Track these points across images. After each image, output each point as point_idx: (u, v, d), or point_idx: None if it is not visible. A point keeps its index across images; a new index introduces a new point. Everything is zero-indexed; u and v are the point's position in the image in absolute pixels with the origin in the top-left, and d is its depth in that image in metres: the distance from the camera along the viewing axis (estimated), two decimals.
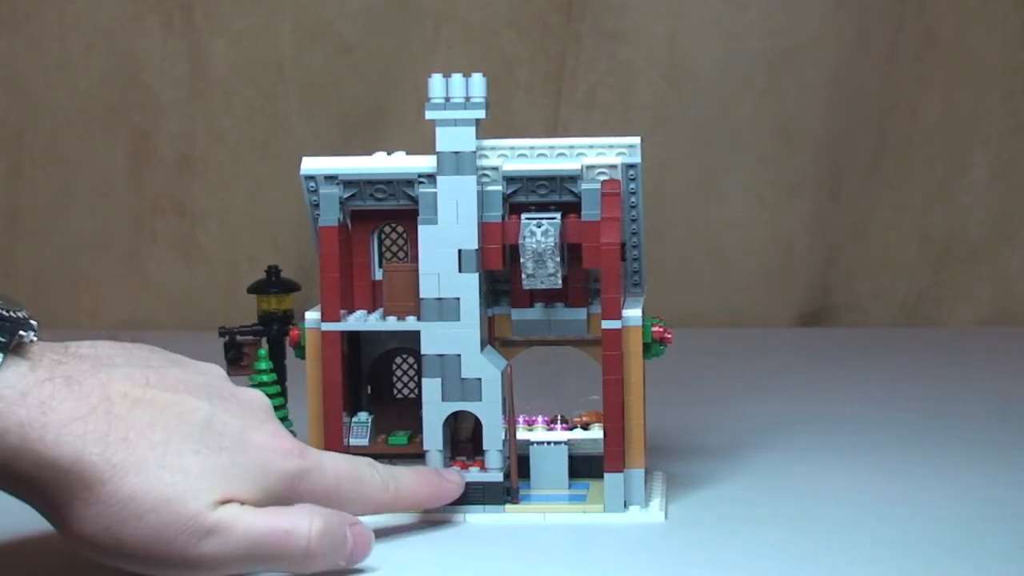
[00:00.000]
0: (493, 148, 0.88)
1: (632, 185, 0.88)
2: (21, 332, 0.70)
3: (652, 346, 0.88)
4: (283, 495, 0.75)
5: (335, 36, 1.63)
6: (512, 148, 0.88)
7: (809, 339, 1.54)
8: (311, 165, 0.89)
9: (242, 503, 0.72)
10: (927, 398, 1.20)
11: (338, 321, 0.88)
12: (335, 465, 0.78)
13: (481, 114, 0.85)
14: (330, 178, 0.88)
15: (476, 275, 0.86)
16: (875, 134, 1.60)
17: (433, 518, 0.86)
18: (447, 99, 0.85)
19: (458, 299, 0.86)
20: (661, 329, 0.88)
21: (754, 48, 1.59)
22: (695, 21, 1.59)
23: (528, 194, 0.88)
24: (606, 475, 0.86)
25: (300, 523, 0.74)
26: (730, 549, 0.81)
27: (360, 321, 0.88)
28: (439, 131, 0.86)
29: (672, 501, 0.89)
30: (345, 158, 0.89)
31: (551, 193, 0.87)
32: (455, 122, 0.85)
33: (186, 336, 1.61)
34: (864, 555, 0.80)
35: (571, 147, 0.88)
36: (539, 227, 0.86)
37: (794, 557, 0.79)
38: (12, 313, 0.71)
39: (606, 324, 0.85)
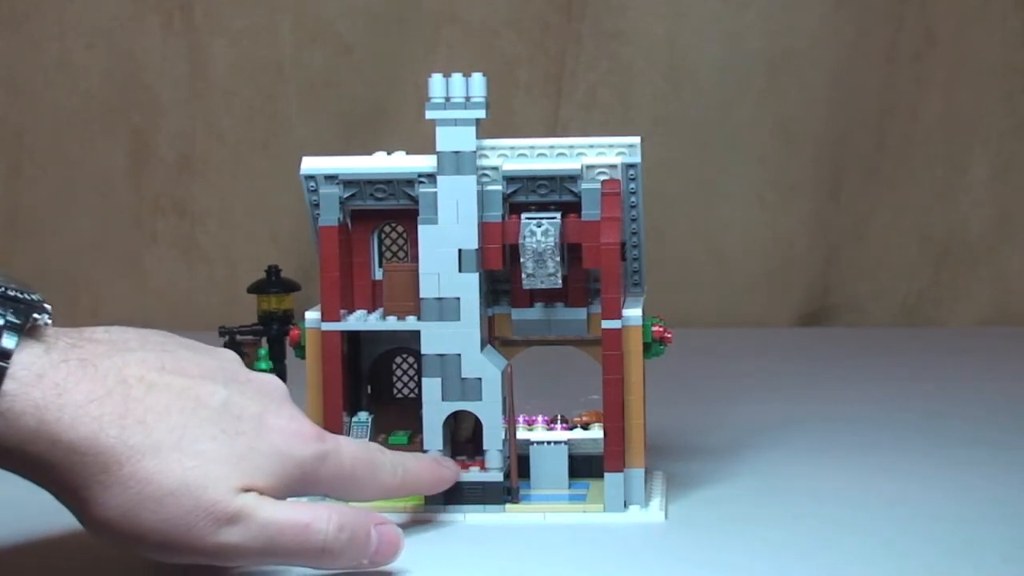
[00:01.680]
0: (493, 148, 0.88)
1: (632, 185, 0.88)
2: (35, 315, 0.70)
3: (652, 346, 0.88)
4: (302, 480, 0.74)
5: (335, 36, 1.63)
6: (512, 148, 0.88)
7: (809, 339, 1.54)
8: (311, 165, 0.89)
9: (261, 491, 0.72)
10: (927, 398, 1.20)
11: (338, 321, 0.88)
12: (351, 449, 0.77)
13: (481, 114, 0.85)
14: (330, 178, 0.88)
15: (476, 275, 0.86)
16: (875, 134, 1.60)
17: (433, 518, 0.86)
18: (447, 99, 0.85)
19: (458, 299, 0.86)
20: (661, 329, 0.88)
21: (754, 48, 1.59)
22: (695, 21, 1.60)
23: (528, 194, 0.88)
24: (606, 475, 0.86)
25: (320, 517, 0.73)
26: (730, 549, 0.81)
27: (360, 321, 0.88)
28: (439, 131, 0.86)
29: (672, 501, 0.89)
30: (345, 158, 0.89)
31: (551, 193, 0.87)
32: (455, 122, 0.85)
33: (186, 336, 1.61)
34: (864, 555, 0.80)
35: (571, 147, 0.88)
36: (539, 227, 0.86)
37: (794, 557, 0.79)
38: (27, 296, 0.70)
39: (606, 324, 0.85)
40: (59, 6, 1.65)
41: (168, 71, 1.64)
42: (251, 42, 1.63)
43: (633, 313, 0.87)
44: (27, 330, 0.69)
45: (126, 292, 1.66)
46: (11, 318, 0.68)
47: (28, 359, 0.68)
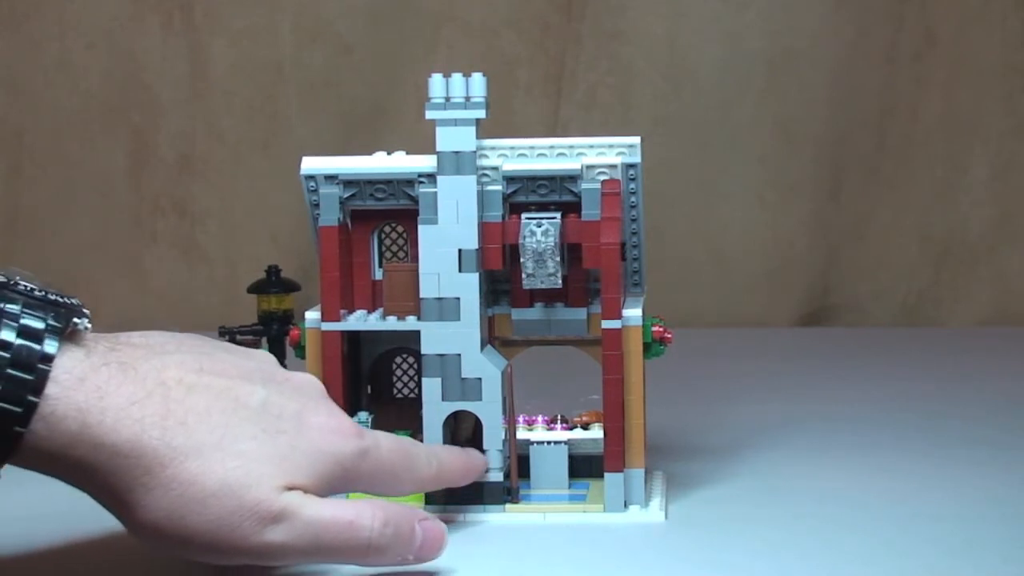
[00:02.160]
0: (493, 148, 0.88)
1: (632, 185, 0.88)
2: (75, 319, 0.70)
3: (652, 346, 0.88)
4: (343, 477, 0.74)
5: (335, 36, 1.63)
6: (512, 148, 0.88)
7: (809, 339, 1.54)
8: (311, 165, 0.89)
9: (304, 489, 0.72)
10: (927, 398, 1.20)
11: (338, 321, 0.88)
12: (388, 443, 0.77)
13: (481, 114, 0.85)
14: (330, 178, 0.88)
15: (476, 275, 0.86)
16: (875, 134, 1.60)
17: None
18: (447, 99, 0.85)
19: (458, 299, 0.86)
20: (661, 329, 0.88)
21: (754, 48, 1.59)
22: (695, 21, 1.60)
23: (528, 194, 0.88)
24: (606, 475, 0.86)
25: (364, 513, 0.73)
26: (730, 549, 0.81)
27: (360, 321, 0.88)
28: (439, 131, 0.86)
29: (672, 501, 0.89)
30: (345, 158, 0.89)
31: (551, 193, 0.87)
32: (455, 122, 0.85)
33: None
34: (864, 555, 0.80)
35: (571, 147, 0.88)
36: (539, 227, 0.86)
37: (794, 557, 0.79)
38: (66, 300, 0.70)
39: (606, 324, 0.85)
40: (59, 6, 1.65)
41: (168, 71, 1.64)
42: (251, 42, 1.63)
43: (633, 313, 0.87)
44: (67, 334, 0.69)
45: (126, 292, 1.66)
46: (52, 322, 0.68)
47: (69, 363, 0.68)
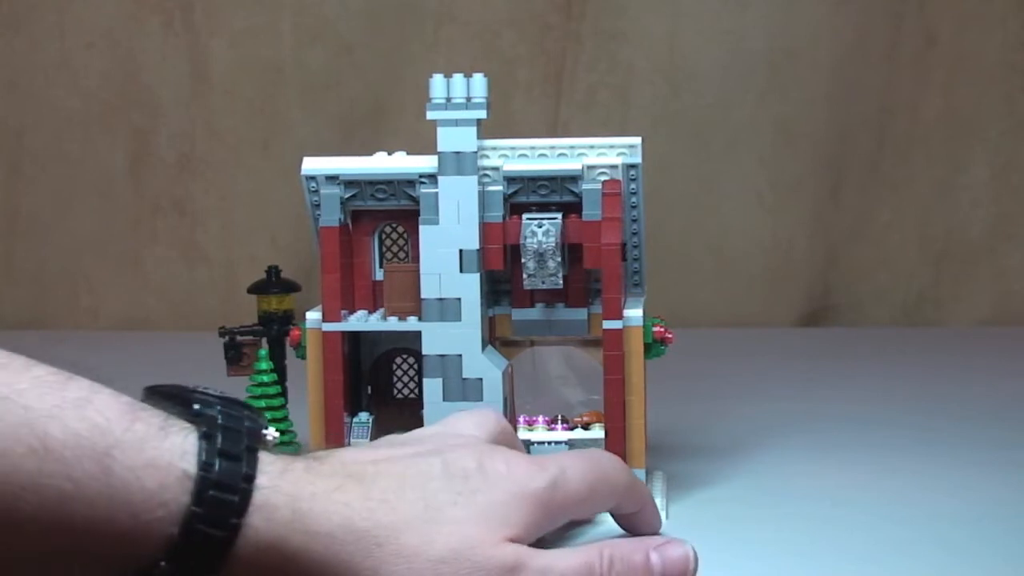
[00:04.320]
0: (495, 148, 0.88)
1: (633, 185, 0.88)
2: (264, 431, 0.68)
3: (653, 346, 0.88)
4: (545, 515, 0.71)
5: (335, 36, 1.63)
6: (513, 148, 0.88)
7: (809, 339, 1.54)
8: (312, 165, 0.89)
9: (520, 540, 0.69)
10: (927, 398, 1.20)
11: (339, 321, 0.88)
12: (571, 462, 0.74)
13: (483, 114, 0.85)
14: (331, 178, 0.88)
15: (477, 275, 0.86)
16: (875, 134, 1.60)
17: None
18: (448, 99, 0.85)
19: (459, 299, 0.86)
20: (662, 329, 0.88)
21: (754, 48, 1.59)
22: (695, 21, 1.60)
23: (529, 194, 0.88)
24: None
25: (592, 553, 0.70)
26: (730, 549, 0.81)
27: (361, 322, 0.88)
28: (440, 131, 0.86)
29: (672, 501, 0.89)
30: (346, 158, 0.89)
31: (552, 193, 0.87)
32: (456, 122, 0.85)
33: (186, 336, 1.61)
34: (864, 555, 0.80)
35: (572, 147, 0.88)
36: (540, 227, 0.86)
37: (794, 557, 0.79)
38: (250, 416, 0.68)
39: (607, 324, 0.85)
40: (59, 6, 1.65)
41: (168, 71, 1.64)
42: (251, 42, 1.63)
43: (634, 313, 0.87)
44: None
45: (126, 292, 1.66)
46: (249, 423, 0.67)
47: (268, 458, 0.66)
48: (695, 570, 0.71)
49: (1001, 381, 1.26)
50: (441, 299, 0.86)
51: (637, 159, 0.87)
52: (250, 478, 0.64)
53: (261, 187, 1.64)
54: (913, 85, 1.59)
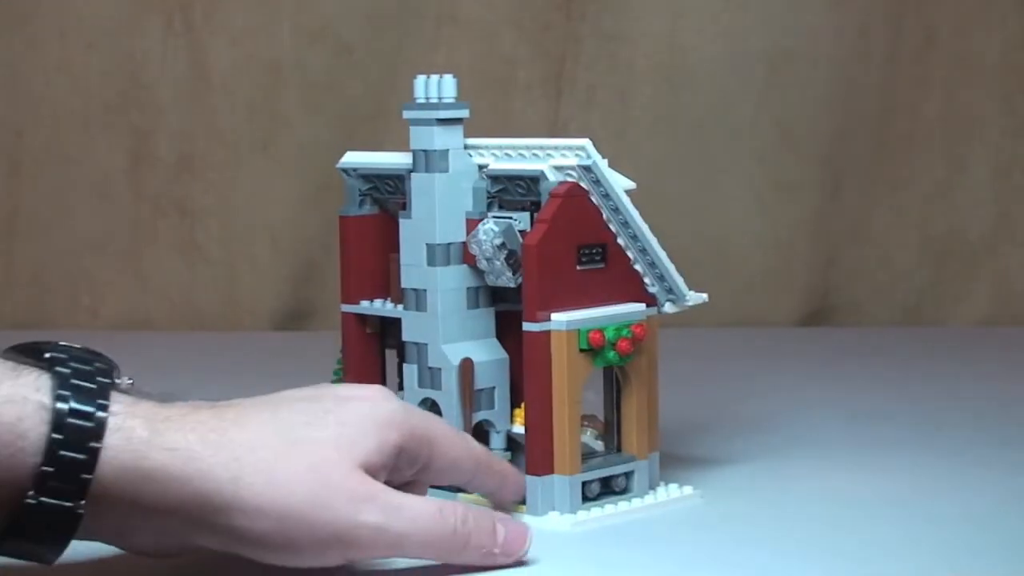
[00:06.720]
0: (487, 147, 0.89)
1: (600, 188, 0.86)
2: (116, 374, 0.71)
3: (599, 353, 0.85)
4: (399, 439, 0.73)
5: (335, 36, 1.63)
6: (500, 147, 0.89)
7: (809, 339, 1.54)
8: (345, 159, 0.94)
9: (374, 464, 0.72)
10: (927, 398, 1.20)
11: (355, 304, 0.93)
12: (435, 417, 0.80)
13: (447, 114, 0.87)
14: (351, 171, 0.93)
15: (441, 269, 0.88)
16: (875, 134, 1.60)
17: None
18: (427, 99, 0.88)
19: (426, 291, 0.88)
20: (599, 335, 0.84)
21: (754, 48, 1.59)
22: (695, 21, 1.60)
23: (513, 193, 0.88)
24: (527, 478, 0.85)
25: (446, 505, 0.73)
26: (730, 549, 0.81)
27: (368, 306, 0.92)
28: (411, 130, 0.89)
29: (672, 501, 0.89)
30: (368, 153, 0.94)
31: (528, 193, 0.88)
32: (423, 121, 0.88)
33: (186, 336, 1.61)
34: (863, 555, 0.80)
35: (542, 148, 0.88)
36: (484, 226, 0.87)
37: (793, 557, 0.79)
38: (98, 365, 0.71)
39: (526, 327, 0.85)
40: (59, 6, 1.65)
41: (168, 71, 1.64)
42: (251, 42, 1.63)
43: (559, 318, 0.84)
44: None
45: (126, 292, 1.66)
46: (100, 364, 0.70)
47: (120, 395, 0.69)
48: (528, 548, 0.76)
49: (1001, 381, 1.26)
50: (415, 289, 0.89)
51: (590, 160, 0.85)
52: (104, 406, 0.67)
53: (261, 187, 1.64)
54: (913, 85, 1.59)
